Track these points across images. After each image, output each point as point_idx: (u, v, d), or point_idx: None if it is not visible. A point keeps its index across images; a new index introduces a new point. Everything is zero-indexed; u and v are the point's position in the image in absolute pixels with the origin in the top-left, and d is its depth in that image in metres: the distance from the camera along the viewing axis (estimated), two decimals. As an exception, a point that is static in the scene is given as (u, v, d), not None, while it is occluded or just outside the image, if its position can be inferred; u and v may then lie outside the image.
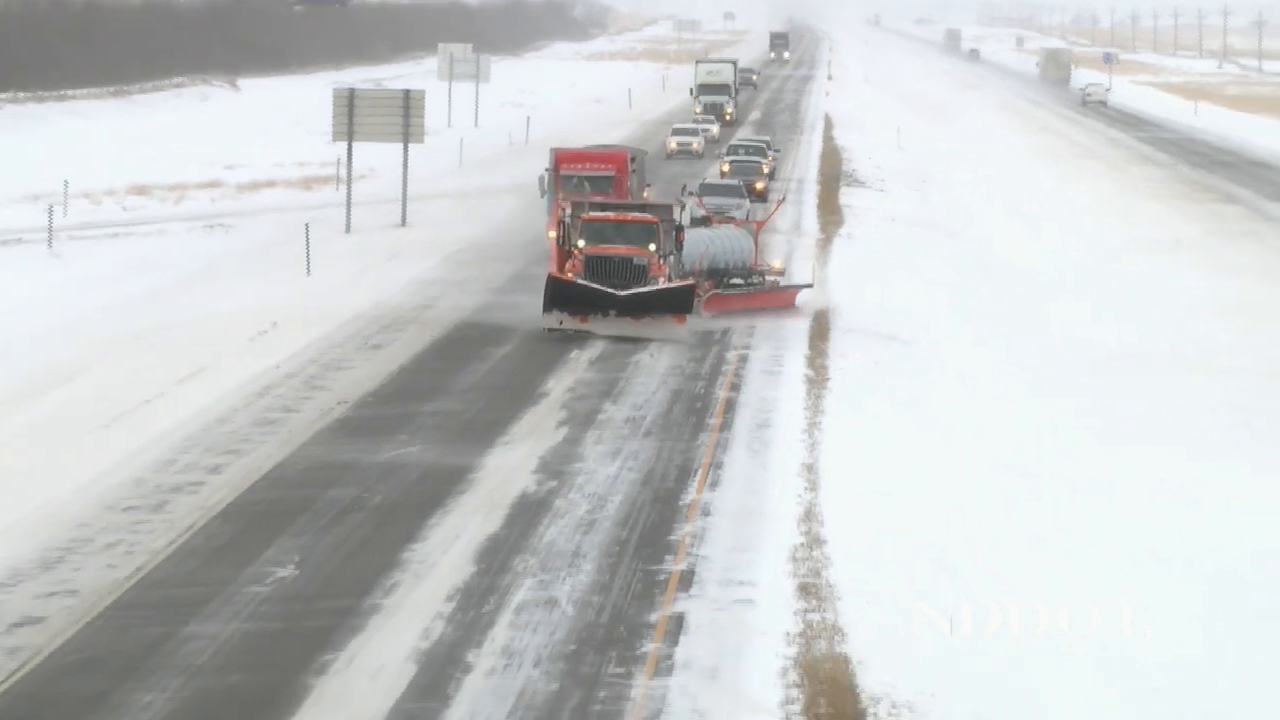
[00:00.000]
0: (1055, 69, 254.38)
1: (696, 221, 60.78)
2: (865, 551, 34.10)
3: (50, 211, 72.58)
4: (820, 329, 57.74)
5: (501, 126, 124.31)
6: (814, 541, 34.74)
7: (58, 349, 49.64)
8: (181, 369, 47.44)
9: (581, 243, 51.72)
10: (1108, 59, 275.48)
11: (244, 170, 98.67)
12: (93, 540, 32.80)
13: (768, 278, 57.66)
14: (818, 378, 50.29)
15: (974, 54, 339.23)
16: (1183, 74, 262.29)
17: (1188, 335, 59.66)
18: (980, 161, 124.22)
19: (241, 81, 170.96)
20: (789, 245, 75.30)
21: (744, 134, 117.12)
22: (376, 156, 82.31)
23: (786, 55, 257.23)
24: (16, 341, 50.35)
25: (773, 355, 52.54)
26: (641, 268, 50.61)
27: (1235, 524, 39.39)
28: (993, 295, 66.11)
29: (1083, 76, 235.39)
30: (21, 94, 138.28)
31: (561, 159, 70.10)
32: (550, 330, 49.75)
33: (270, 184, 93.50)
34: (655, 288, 50.34)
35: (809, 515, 36.60)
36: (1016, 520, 38.18)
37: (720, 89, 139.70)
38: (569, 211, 53.53)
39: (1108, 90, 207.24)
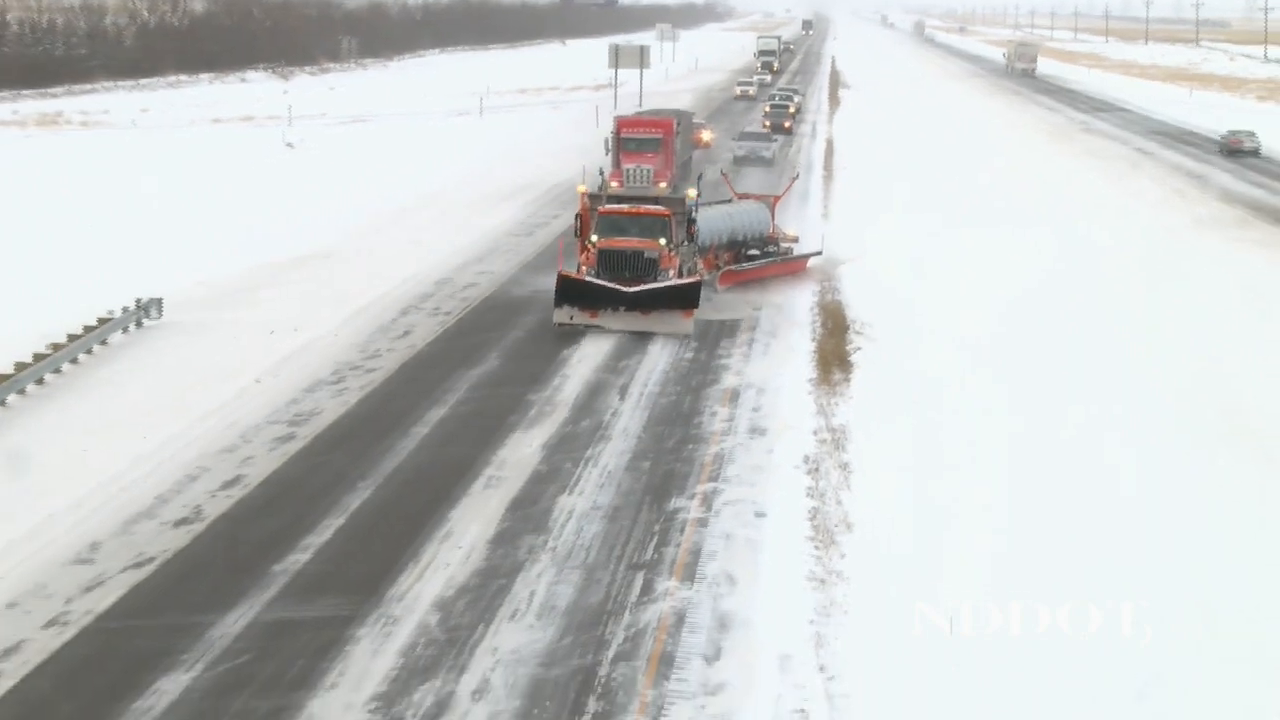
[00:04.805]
0: (918, 29, 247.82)
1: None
2: (855, 269, 32.08)
3: (480, 99, 72.50)
4: (828, 158, 55.43)
5: (686, 62, 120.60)
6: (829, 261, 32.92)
7: (475, 165, 48.63)
8: (516, 187, 44.72)
9: (595, 237, 27.22)
10: (961, 29, 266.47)
11: (568, 80, 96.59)
12: (453, 281, 31.28)
13: (783, 245, 32.35)
14: (827, 179, 48.32)
15: (890, 25, 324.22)
16: (996, 37, 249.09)
17: (1002, 159, 57.05)
18: (901, 73, 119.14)
19: (569, 41, 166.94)
20: (814, 119, 72.33)
21: (782, 82, 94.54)
22: (628, 75, 79.82)
23: (810, 31, 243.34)
24: (462, 163, 49.29)
25: (806, 167, 50.45)
26: (652, 261, 26.69)
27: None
28: (917, 138, 63.17)
29: (927, 31, 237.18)
30: (469, 46, 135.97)
31: (622, 124, 44.92)
32: (561, 325, 26.26)
33: (579, 88, 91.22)
34: (662, 284, 26.46)
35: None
36: (933, 247, 34.98)
37: (770, 53, 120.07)
38: (589, 203, 28.28)
39: (933, 34, 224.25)
